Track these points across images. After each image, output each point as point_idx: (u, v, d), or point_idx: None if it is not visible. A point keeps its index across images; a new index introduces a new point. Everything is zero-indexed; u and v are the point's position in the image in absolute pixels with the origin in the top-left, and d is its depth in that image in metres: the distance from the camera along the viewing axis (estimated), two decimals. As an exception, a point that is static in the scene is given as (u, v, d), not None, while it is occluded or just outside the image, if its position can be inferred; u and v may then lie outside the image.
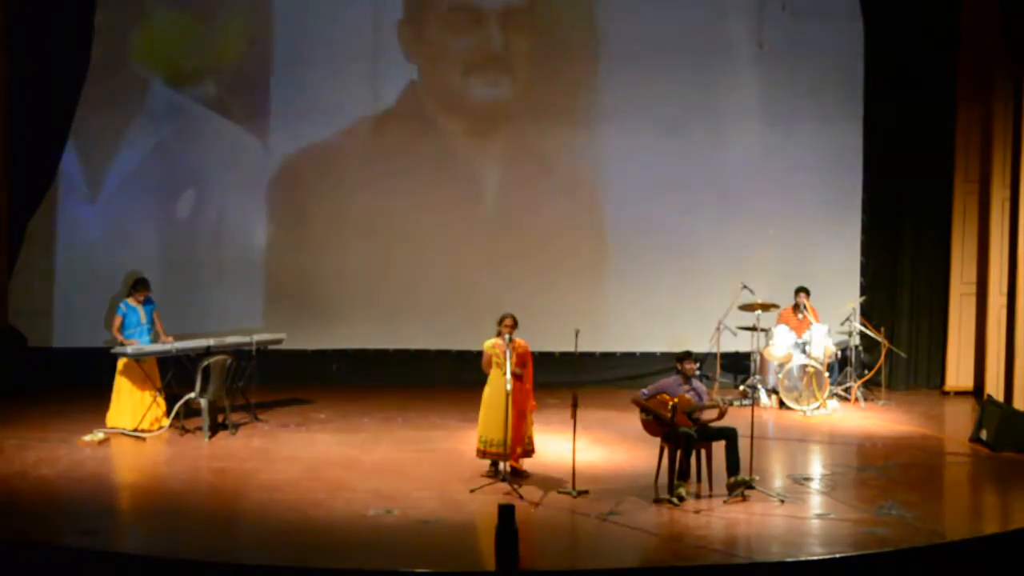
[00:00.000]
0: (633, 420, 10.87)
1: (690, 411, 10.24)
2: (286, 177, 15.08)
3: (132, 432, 12.02)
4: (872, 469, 11.20)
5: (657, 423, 10.28)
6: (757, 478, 10.30)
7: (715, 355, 14.59)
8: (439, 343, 15.04)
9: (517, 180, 15.23)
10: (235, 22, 14.90)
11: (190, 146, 14.96)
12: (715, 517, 9.60)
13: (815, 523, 9.51)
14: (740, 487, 10.01)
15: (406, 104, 15.12)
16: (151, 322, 12.40)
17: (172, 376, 12.46)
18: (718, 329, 14.37)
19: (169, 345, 12.25)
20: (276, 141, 15.01)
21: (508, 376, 10.16)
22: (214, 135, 14.95)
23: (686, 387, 10.35)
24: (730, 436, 10.16)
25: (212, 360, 12.12)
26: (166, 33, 14.83)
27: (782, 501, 9.97)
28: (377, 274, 15.12)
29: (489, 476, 10.53)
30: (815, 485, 10.62)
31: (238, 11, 14.93)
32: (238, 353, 12.64)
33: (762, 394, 14.12)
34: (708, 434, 10.29)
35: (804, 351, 13.89)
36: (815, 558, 8.64)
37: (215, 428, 12.14)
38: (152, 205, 15.01)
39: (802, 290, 14.24)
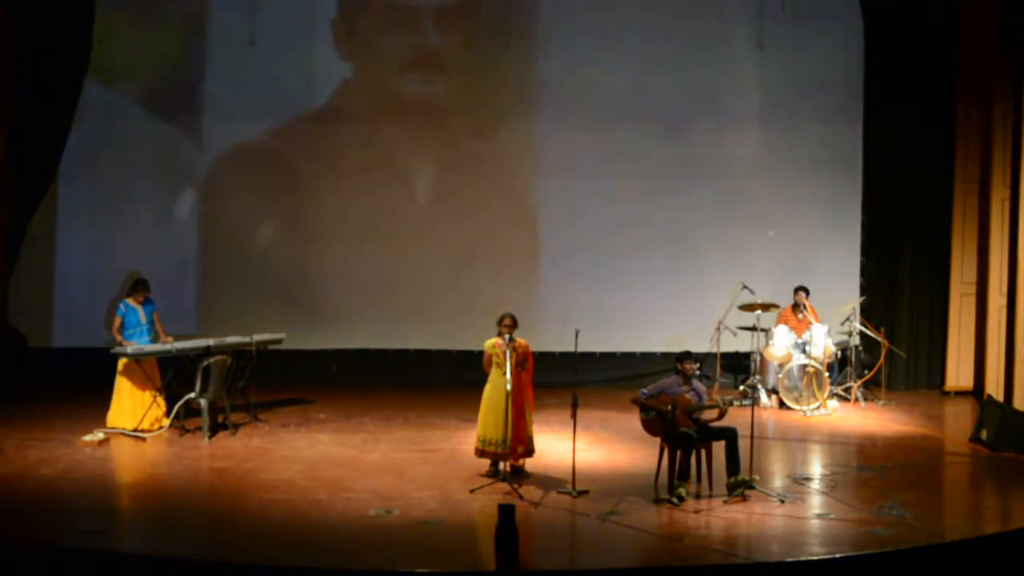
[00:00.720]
0: (633, 420, 10.87)
1: (690, 411, 10.24)
2: (223, 176, 15.03)
3: (132, 432, 12.01)
4: (872, 469, 11.20)
5: (658, 422, 10.28)
6: (757, 478, 10.31)
7: (715, 355, 14.59)
8: (439, 343, 15.04)
9: (516, 179, 15.26)
10: (170, 21, 14.84)
11: (184, 145, 15.00)
12: (715, 517, 9.60)
13: (815, 523, 9.51)
14: (740, 487, 10.01)
15: (339, 102, 15.08)
16: (151, 322, 12.39)
17: (172, 376, 12.46)
18: (718, 329, 14.37)
19: (169, 345, 12.25)
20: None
21: (508, 376, 10.16)
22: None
23: (686, 387, 10.35)
24: (730, 436, 10.15)
25: (212, 360, 12.12)
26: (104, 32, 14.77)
27: (782, 501, 9.97)
28: (377, 274, 15.11)
29: (489, 476, 10.53)
30: (815, 485, 10.62)
31: (173, 10, 14.85)
32: (238, 353, 12.63)
33: (762, 394, 14.12)
34: (708, 434, 10.29)
35: (804, 351, 13.89)
36: (815, 558, 8.64)
37: (215, 428, 12.14)
38: (151, 205, 15.03)
39: (801, 289, 14.24)
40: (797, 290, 14.24)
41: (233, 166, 15.06)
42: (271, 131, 15.07)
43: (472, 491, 10.11)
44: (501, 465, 10.45)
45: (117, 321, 12.28)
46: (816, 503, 10.05)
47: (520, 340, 10.55)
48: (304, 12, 14.98)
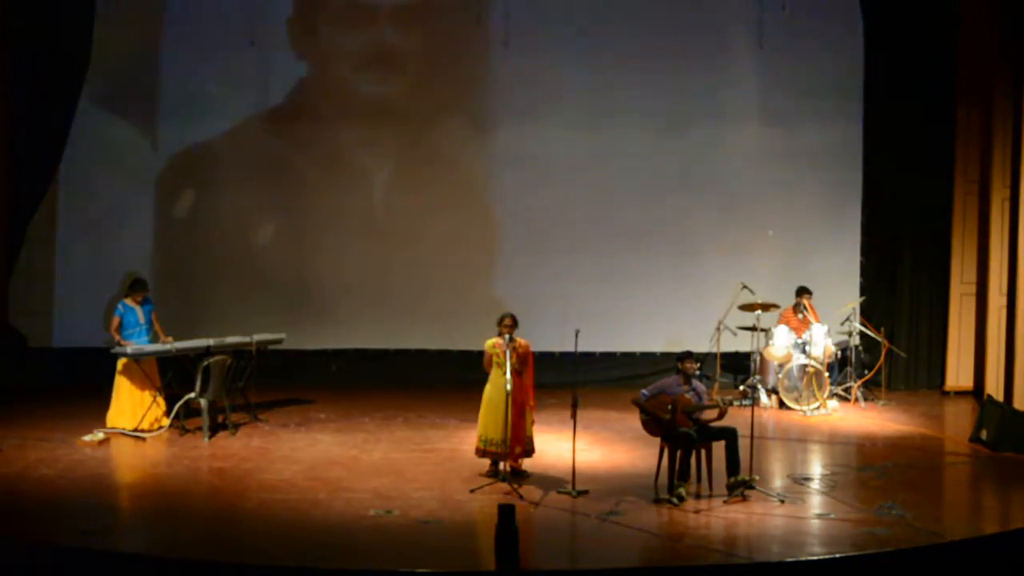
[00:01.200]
0: (633, 420, 10.87)
1: (690, 411, 10.24)
2: (177, 174, 15.03)
3: (132, 432, 12.01)
4: (872, 469, 11.20)
5: (657, 424, 10.28)
6: (757, 478, 10.30)
7: (715, 355, 14.59)
8: (439, 343, 15.04)
9: (515, 179, 15.26)
10: (124, 17, 14.72)
11: (182, 145, 15.03)
12: (715, 517, 9.60)
13: (815, 523, 9.51)
14: (740, 487, 10.01)
15: (295, 102, 15.05)
16: (149, 322, 12.39)
17: (172, 376, 12.46)
18: (718, 329, 14.37)
19: (169, 345, 12.24)
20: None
21: (508, 376, 10.16)
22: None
23: (686, 387, 10.35)
24: (730, 436, 10.15)
25: (212, 360, 12.12)
26: None
27: (782, 501, 9.97)
28: (378, 274, 15.12)
29: (489, 476, 10.53)
30: (815, 485, 10.62)
31: (127, 6, 14.74)
32: (238, 353, 12.63)
33: (762, 394, 14.12)
34: (708, 434, 10.29)
35: (804, 351, 13.89)
36: (815, 558, 8.64)
37: (215, 428, 12.14)
38: (151, 204, 15.04)
39: (804, 291, 14.20)
40: (801, 292, 14.19)
41: (232, 166, 15.05)
42: (268, 130, 15.06)
43: (472, 491, 10.11)
44: (501, 465, 10.46)
45: (115, 321, 12.27)
46: (816, 503, 10.05)
47: (520, 340, 10.55)
48: (260, 10, 14.87)
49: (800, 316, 14.14)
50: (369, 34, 15.01)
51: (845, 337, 14.34)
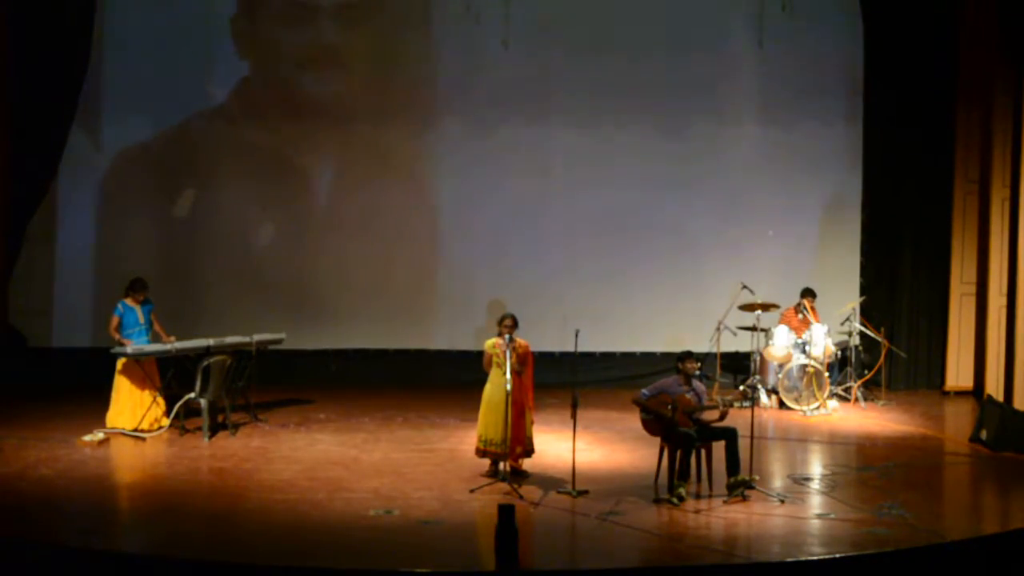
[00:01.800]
0: (633, 420, 10.88)
1: (690, 411, 10.24)
2: (120, 174, 14.95)
3: (132, 432, 12.01)
4: (872, 469, 11.20)
5: (657, 423, 10.28)
6: (757, 478, 10.31)
7: (715, 355, 14.59)
8: (439, 343, 15.05)
9: (516, 179, 15.26)
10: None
11: (182, 144, 15.02)
12: (715, 517, 9.60)
13: (815, 523, 9.51)
14: (740, 487, 10.01)
15: (238, 101, 15.03)
16: (149, 323, 12.38)
17: (172, 376, 12.45)
18: (718, 329, 14.36)
19: (169, 345, 12.23)
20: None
21: (508, 376, 10.16)
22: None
23: (686, 387, 10.34)
24: (730, 436, 10.15)
25: (212, 360, 12.11)
26: None
27: (782, 501, 9.97)
28: (377, 274, 15.12)
29: (489, 476, 10.53)
30: (815, 485, 10.62)
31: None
32: (238, 353, 12.63)
33: (762, 394, 14.12)
34: (708, 434, 10.29)
35: (804, 351, 13.88)
36: (815, 558, 8.64)
37: (215, 428, 12.14)
38: (151, 204, 15.04)
39: (809, 293, 14.17)
40: (805, 294, 14.15)
41: (233, 165, 15.06)
42: (266, 128, 15.05)
43: (472, 491, 10.11)
44: (501, 465, 10.46)
45: (115, 321, 12.26)
46: (816, 503, 10.05)
47: (520, 340, 10.55)
48: (201, 8, 14.85)
49: (800, 316, 14.14)
50: (316, 32, 15.00)
51: (845, 337, 14.34)
